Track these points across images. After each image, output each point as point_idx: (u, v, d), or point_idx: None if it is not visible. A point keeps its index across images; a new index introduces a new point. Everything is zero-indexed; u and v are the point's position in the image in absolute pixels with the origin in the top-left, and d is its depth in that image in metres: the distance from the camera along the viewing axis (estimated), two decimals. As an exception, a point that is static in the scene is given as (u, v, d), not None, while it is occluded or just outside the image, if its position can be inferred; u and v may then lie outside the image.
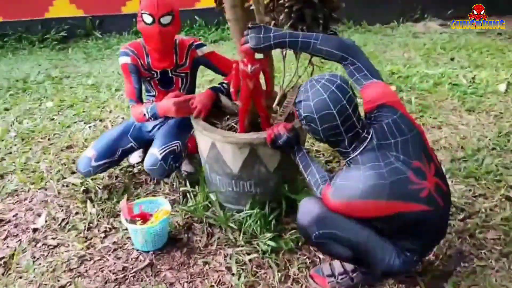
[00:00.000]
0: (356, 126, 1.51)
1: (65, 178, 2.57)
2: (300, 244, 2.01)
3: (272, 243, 1.95)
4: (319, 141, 1.59)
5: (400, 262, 1.58)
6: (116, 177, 2.58)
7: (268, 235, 1.99)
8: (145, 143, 2.46)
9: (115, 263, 1.97)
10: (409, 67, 4.05)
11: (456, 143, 2.80)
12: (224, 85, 2.20)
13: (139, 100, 2.27)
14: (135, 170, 2.63)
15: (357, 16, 5.53)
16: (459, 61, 4.21)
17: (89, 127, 3.17)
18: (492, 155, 2.66)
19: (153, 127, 2.46)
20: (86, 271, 1.94)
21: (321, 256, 1.94)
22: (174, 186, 2.43)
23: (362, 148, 1.51)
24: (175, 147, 2.27)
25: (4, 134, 3.11)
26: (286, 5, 1.81)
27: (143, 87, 2.38)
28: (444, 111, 3.24)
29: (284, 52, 2.11)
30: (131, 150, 2.44)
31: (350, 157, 1.54)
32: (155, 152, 2.24)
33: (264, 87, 2.05)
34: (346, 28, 5.48)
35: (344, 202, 1.49)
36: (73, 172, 2.62)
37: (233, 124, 2.09)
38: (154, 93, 2.41)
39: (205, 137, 1.96)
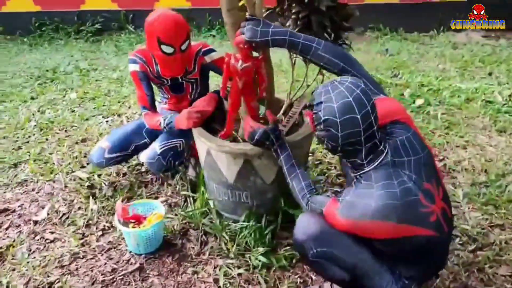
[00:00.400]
0: (375, 136, 1.38)
1: (74, 171, 2.61)
2: (294, 261, 1.94)
3: (263, 259, 1.90)
4: (331, 150, 1.43)
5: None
6: (124, 174, 2.59)
7: (261, 249, 1.93)
8: None
9: (105, 263, 1.97)
10: (442, 79, 3.86)
11: (480, 165, 2.63)
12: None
13: (152, 107, 2.27)
14: (143, 169, 2.64)
15: (394, 23, 5.34)
16: (498, 76, 3.96)
17: (106, 121, 3.21)
18: (517, 181, 2.49)
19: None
20: (77, 269, 1.95)
21: (313, 276, 1.87)
22: (177, 189, 2.42)
23: (377, 162, 1.40)
24: (177, 145, 2.26)
25: (26, 123, 3.20)
26: (293, 11, 1.75)
27: (156, 89, 2.38)
28: (473, 129, 3.05)
29: (293, 60, 2.04)
30: (144, 146, 2.44)
31: (363, 171, 1.43)
32: (155, 146, 2.26)
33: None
34: (382, 35, 5.29)
35: (352, 221, 1.37)
36: (82, 166, 2.67)
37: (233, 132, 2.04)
38: (167, 97, 2.41)
39: (202, 144, 1.92)
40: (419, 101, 3.44)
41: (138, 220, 2.01)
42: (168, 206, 2.31)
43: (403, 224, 1.35)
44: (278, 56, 3.65)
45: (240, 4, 1.70)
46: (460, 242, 2.06)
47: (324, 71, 2.02)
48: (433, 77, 3.91)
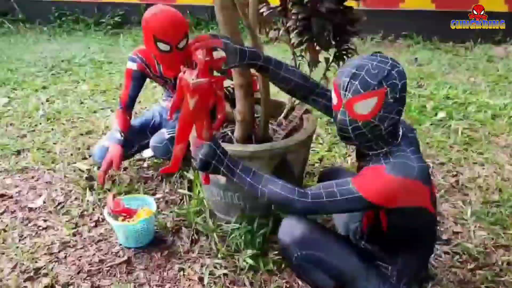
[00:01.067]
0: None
1: (75, 162, 2.77)
2: (282, 266, 2.02)
3: (250, 261, 1.98)
4: (392, 125, 1.39)
5: None
6: (125, 168, 2.73)
7: (250, 252, 2.02)
8: None
9: (94, 254, 2.10)
10: (470, 93, 3.87)
11: (495, 184, 2.63)
12: (229, 89, 2.26)
13: (128, 108, 2.43)
14: (145, 164, 2.78)
15: (429, 31, 5.36)
16: (533, 93, 3.94)
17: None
18: (533, 203, 2.49)
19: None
20: (65, 257, 2.08)
21: (300, 282, 1.94)
22: (176, 186, 2.54)
23: (400, 138, 1.47)
24: None
25: (34, 112, 3.41)
26: (293, 11, 1.84)
27: (162, 90, 2.52)
28: (494, 147, 3.06)
29: (297, 63, 2.13)
30: (147, 145, 2.58)
31: (395, 144, 1.45)
32: (164, 131, 2.41)
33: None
34: (414, 43, 5.32)
35: (402, 178, 1.36)
36: (84, 158, 2.83)
37: (228, 132, 2.14)
38: (171, 95, 2.55)
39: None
40: (441, 114, 3.46)
41: (129, 214, 2.13)
42: (165, 203, 2.43)
43: (429, 190, 1.45)
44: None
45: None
46: (460, 260, 2.08)
47: (325, 77, 2.12)
48: (461, 90, 3.92)
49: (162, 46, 2.15)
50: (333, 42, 1.94)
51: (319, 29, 1.83)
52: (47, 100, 3.62)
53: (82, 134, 3.11)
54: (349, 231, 1.87)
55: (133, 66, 2.34)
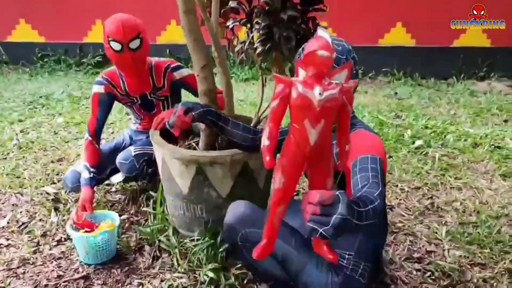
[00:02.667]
0: None
1: (43, 186, 2.85)
2: (245, 282, 2.06)
3: (211, 274, 2.03)
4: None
5: (340, 281, 1.57)
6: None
7: (211, 266, 2.07)
8: None
9: (53, 270, 2.14)
10: (449, 123, 4.02)
11: (473, 207, 2.70)
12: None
13: (96, 136, 2.49)
14: (113, 189, 2.86)
15: (410, 68, 5.59)
16: (514, 124, 4.10)
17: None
18: (511, 225, 2.55)
19: None
20: (24, 273, 2.13)
21: (261, 295, 1.98)
22: (141, 207, 2.61)
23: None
24: (152, 153, 2.47)
25: (8, 142, 3.52)
26: (256, 20, 1.98)
27: (131, 115, 2.65)
28: (473, 172, 3.15)
29: (264, 77, 2.27)
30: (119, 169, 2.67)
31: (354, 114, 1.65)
32: (131, 149, 2.51)
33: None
34: (394, 79, 5.55)
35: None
36: (53, 183, 2.91)
37: (193, 143, 2.26)
38: (140, 118, 2.68)
39: (157, 152, 2.14)
40: (419, 142, 3.59)
41: (91, 227, 2.20)
42: (129, 223, 2.50)
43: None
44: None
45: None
46: (432, 277, 2.11)
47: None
48: (440, 121, 4.07)
49: (114, 45, 2.30)
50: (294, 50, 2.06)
51: (281, 37, 1.95)
52: (21, 131, 3.75)
53: (53, 162, 3.22)
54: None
55: (99, 89, 2.46)
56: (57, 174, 3.00)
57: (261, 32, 2.00)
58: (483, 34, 5.55)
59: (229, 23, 2.15)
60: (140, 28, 2.36)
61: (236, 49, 2.22)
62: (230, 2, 2.12)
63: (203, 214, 2.16)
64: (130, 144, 2.76)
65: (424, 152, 3.44)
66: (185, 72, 2.51)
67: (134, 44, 2.32)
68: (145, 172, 2.50)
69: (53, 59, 5.96)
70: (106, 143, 3.02)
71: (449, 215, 2.64)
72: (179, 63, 2.55)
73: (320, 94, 0.91)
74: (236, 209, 1.70)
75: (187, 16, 1.91)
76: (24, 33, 5.98)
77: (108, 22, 2.34)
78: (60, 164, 3.19)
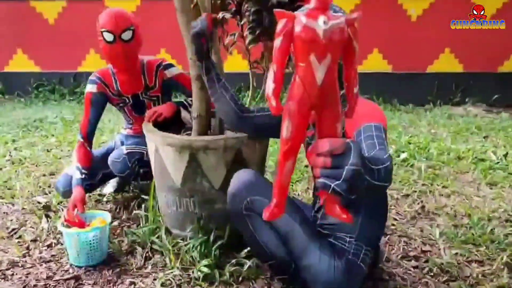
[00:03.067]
0: None
1: (34, 196, 2.73)
2: (240, 279, 1.95)
3: (205, 269, 1.92)
4: None
5: (343, 266, 1.48)
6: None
7: (205, 262, 1.96)
8: None
9: (42, 272, 2.01)
10: (432, 140, 4.01)
11: (464, 211, 2.63)
12: (188, 101, 2.35)
13: (89, 137, 2.41)
14: (104, 199, 2.74)
15: (389, 95, 5.60)
16: (494, 140, 4.09)
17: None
18: (503, 226, 2.47)
19: None
20: (12, 274, 1.99)
21: (257, 290, 1.87)
22: (133, 213, 2.50)
23: None
24: (144, 152, 2.40)
25: (1, 158, 3.40)
26: (246, 7, 1.93)
27: (122, 118, 2.58)
28: (460, 182, 3.10)
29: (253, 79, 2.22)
30: (111, 175, 2.58)
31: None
32: (123, 148, 2.42)
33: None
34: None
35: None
36: (45, 194, 2.79)
37: (185, 135, 2.18)
38: (131, 122, 2.61)
39: (150, 142, 2.07)
40: (404, 155, 3.55)
41: (83, 226, 2.08)
42: (120, 229, 2.38)
43: None
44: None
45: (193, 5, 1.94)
46: (431, 274, 2.02)
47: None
48: (422, 137, 4.06)
49: (107, 35, 2.26)
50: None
51: (270, 22, 1.89)
52: (15, 149, 3.64)
53: (45, 175, 3.10)
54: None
55: (92, 88, 2.41)
56: (49, 186, 2.88)
57: (251, 18, 1.94)
58: (455, 59, 5.62)
59: (220, 15, 2.11)
60: (133, 20, 2.34)
61: (226, 41, 2.16)
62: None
63: (195, 209, 2.06)
64: None
65: (410, 164, 3.39)
66: (176, 70, 2.48)
67: (126, 35, 2.28)
68: (137, 171, 2.40)
69: (47, 88, 5.88)
70: (97, 149, 2.94)
71: (441, 218, 2.57)
72: (170, 62, 2.51)
73: (325, 23, 0.83)
74: (241, 177, 1.61)
75: (183, 14, 1.91)
76: (20, 63, 5.93)
77: (102, 15, 2.32)
78: (52, 178, 3.07)
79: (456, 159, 3.52)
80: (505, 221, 2.53)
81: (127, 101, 2.48)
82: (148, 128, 2.12)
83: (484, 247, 2.23)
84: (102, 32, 2.29)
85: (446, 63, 5.64)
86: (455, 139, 4.12)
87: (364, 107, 1.42)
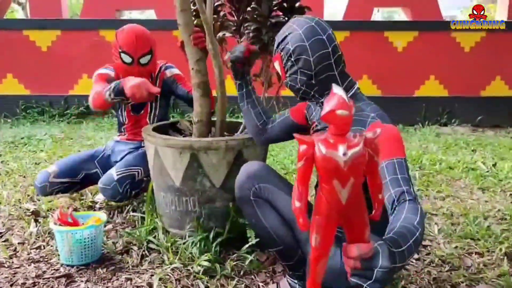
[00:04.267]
0: (343, 61, 1.46)
1: (21, 203, 2.59)
2: (241, 273, 1.84)
3: (206, 263, 1.81)
4: (306, 84, 1.44)
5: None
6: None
7: (205, 257, 1.84)
8: None
9: (31, 271, 1.87)
10: (423, 153, 3.99)
11: (460, 212, 2.61)
12: (190, 120, 2.30)
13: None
14: (97, 206, 2.62)
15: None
16: (482, 153, 4.11)
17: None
18: (499, 223, 2.45)
19: (121, 158, 2.52)
20: (-2, 274, 1.84)
21: (260, 283, 1.76)
22: (127, 218, 2.38)
23: (352, 92, 1.47)
24: (135, 173, 2.29)
25: (-14, 171, 3.25)
26: (245, 25, 1.97)
27: (115, 120, 2.50)
28: (454, 187, 3.09)
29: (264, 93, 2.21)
30: (94, 176, 2.48)
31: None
32: (113, 172, 2.28)
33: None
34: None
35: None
36: (33, 201, 2.65)
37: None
38: (124, 123, 2.53)
39: (150, 145, 1.99)
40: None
41: (76, 225, 1.96)
42: (114, 232, 2.25)
43: None
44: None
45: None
46: (433, 265, 1.98)
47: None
48: (414, 151, 4.04)
49: (125, 57, 2.23)
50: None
51: (269, 38, 1.94)
52: (1, 162, 3.49)
53: (31, 185, 2.95)
54: None
55: (110, 72, 2.33)
56: (37, 195, 2.74)
57: (250, 35, 1.99)
58: (440, 85, 5.75)
59: (220, 34, 2.13)
60: (152, 42, 2.31)
61: (226, 57, 2.17)
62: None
63: (195, 207, 1.97)
64: (109, 155, 2.58)
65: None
66: (176, 70, 2.47)
67: (145, 59, 2.28)
68: (129, 194, 2.30)
69: (36, 110, 5.72)
70: (86, 150, 2.83)
71: (438, 218, 2.54)
72: (172, 64, 2.48)
73: (345, 154, 0.82)
74: (250, 167, 1.56)
75: (183, 14, 1.93)
76: (10, 87, 5.77)
77: (122, 33, 2.27)
78: (41, 187, 2.92)
79: (448, 169, 3.51)
80: (501, 219, 2.53)
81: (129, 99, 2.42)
82: (147, 133, 2.05)
83: (483, 241, 2.21)
84: (120, 52, 2.24)
85: (432, 88, 5.78)
86: (446, 152, 4.12)
87: (383, 136, 1.19)
